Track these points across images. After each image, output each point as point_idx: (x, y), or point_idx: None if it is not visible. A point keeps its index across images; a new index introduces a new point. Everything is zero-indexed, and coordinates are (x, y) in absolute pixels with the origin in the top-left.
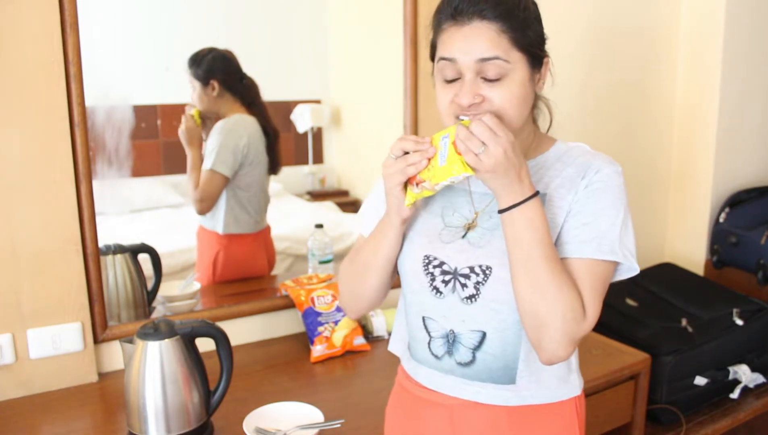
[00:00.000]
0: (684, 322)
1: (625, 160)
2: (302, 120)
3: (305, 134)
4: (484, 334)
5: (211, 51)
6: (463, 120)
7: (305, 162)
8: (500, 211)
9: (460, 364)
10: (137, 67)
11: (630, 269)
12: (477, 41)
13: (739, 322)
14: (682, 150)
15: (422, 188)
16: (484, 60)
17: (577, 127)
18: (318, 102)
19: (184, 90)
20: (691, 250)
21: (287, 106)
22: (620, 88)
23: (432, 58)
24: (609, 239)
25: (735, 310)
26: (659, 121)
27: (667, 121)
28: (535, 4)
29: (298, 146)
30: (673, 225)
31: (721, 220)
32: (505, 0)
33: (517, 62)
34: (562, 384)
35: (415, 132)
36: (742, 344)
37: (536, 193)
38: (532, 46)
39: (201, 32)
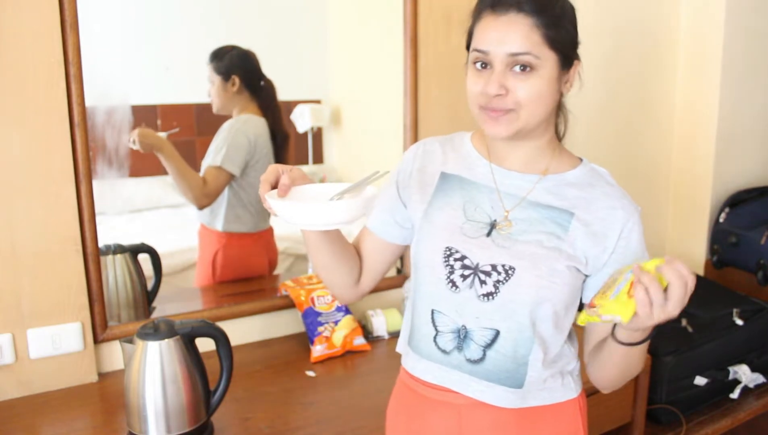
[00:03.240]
0: (684, 322)
1: (625, 160)
2: (302, 120)
3: (305, 134)
4: (497, 333)
5: (233, 48)
6: (645, 264)
7: (305, 162)
8: (621, 344)
9: (469, 360)
10: (137, 66)
11: None
12: (511, 34)
13: (739, 322)
14: (682, 150)
15: (593, 313)
16: (514, 54)
17: (578, 128)
18: (318, 102)
19: (184, 90)
20: (691, 250)
21: (287, 106)
22: (620, 88)
23: (468, 47)
24: None
25: (735, 310)
26: (659, 121)
27: (667, 121)
28: (572, 9)
29: (298, 146)
30: (673, 225)
31: (721, 220)
32: None
33: (547, 60)
34: (564, 386)
35: (415, 131)
36: (742, 344)
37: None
38: (563, 45)
39: (200, 32)
